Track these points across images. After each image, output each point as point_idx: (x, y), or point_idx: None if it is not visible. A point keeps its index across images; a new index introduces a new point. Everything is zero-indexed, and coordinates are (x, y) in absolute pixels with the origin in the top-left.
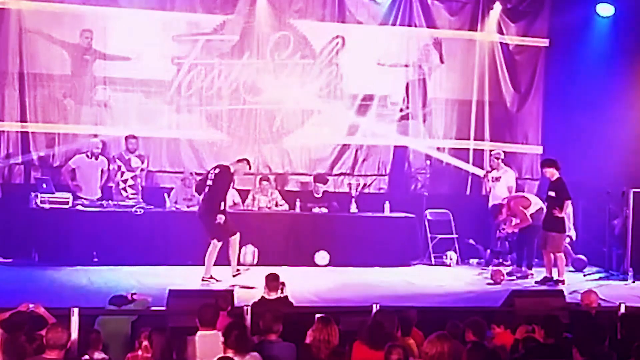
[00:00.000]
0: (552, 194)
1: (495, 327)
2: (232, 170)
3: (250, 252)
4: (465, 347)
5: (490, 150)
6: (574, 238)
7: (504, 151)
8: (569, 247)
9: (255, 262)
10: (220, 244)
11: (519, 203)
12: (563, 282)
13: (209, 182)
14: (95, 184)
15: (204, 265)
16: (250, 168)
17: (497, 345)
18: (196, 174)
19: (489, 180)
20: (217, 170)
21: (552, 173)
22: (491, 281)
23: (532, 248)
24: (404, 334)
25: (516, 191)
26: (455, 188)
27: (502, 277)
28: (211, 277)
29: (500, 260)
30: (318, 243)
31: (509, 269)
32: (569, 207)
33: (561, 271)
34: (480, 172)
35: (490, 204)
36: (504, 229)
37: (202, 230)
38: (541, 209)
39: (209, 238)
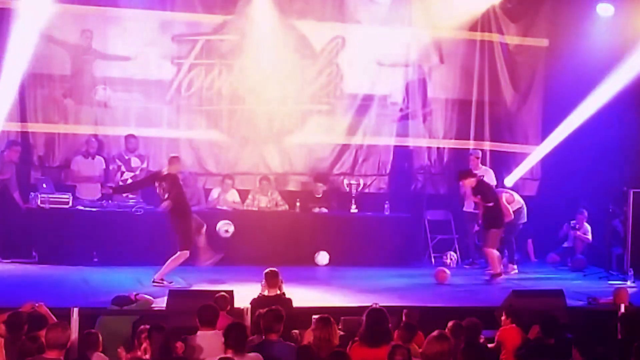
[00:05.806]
0: (478, 198)
1: (503, 314)
2: (164, 173)
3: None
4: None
5: (467, 149)
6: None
7: (481, 150)
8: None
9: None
10: (186, 253)
11: (505, 198)
12: (504, 272)
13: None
14: (94, 184)
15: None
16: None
17: (500, 338)
18: (196, 174)
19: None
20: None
21: (471, 182)
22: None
23: (511, 244)
24: (406, 340)
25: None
26: (455, 188)
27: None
28: (162, 280)
29: (471, 260)
30: (318, 243)
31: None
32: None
33: (495, 264)
34: None
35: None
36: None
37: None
38: (522, 207)
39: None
